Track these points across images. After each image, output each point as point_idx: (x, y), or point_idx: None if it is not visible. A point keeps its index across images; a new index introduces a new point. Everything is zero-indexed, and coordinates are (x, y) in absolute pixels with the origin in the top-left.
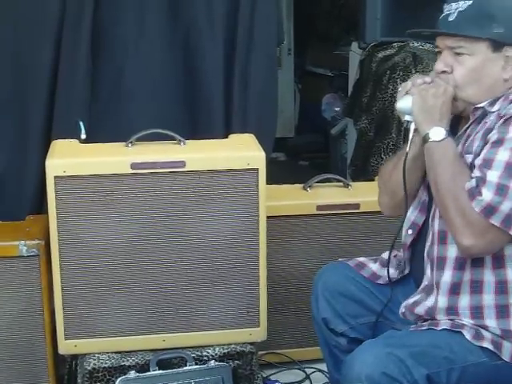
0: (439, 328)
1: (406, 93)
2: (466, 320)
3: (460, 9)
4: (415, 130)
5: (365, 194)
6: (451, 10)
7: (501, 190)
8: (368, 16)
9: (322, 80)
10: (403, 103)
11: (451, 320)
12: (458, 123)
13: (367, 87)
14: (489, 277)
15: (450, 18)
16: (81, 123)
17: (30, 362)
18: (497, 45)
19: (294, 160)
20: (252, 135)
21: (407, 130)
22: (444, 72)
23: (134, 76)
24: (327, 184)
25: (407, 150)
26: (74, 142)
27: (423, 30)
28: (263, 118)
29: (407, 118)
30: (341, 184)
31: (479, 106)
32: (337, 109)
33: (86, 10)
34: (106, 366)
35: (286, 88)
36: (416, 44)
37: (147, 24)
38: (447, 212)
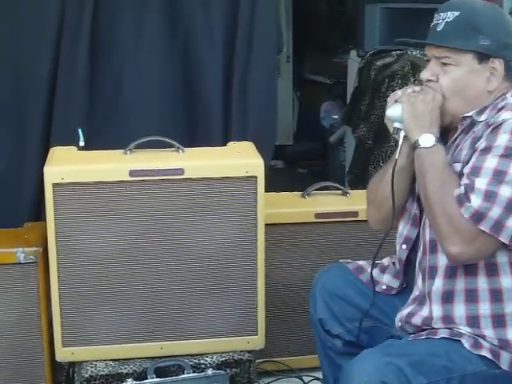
0: (438, 337)
1: (396, 101)
2: (464, 329)
3: (447, 19)
4: (404, 138)
5: (363, 202)
6: (439, 20)
7: (489, 196)
8: (367, 24)
9: (321, 88)
10: (393, 111)
11: (449, 329)
12: (447, 134)
13: (366, 95)
14: (483, 285)
15: (438, 28)
16: (79, 130)
17: (28, 369)
18: (482, 56)
19: (293, 167)
20: (250, 143)
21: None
22: (430, 81)
23: (132, 84)
24: (326, 192)
25: (396, 157)
26: (73, 149)
27: (410, 41)
28: (263, 127)
29: (396, 125)
30: (339, 192)
31: (467, 115)
32: (335, 116)
33: (85, 12)
34: (104, 373)
35: (284, 96)
36: (415, 52)
37: (146, 31)
38: (435, 219)
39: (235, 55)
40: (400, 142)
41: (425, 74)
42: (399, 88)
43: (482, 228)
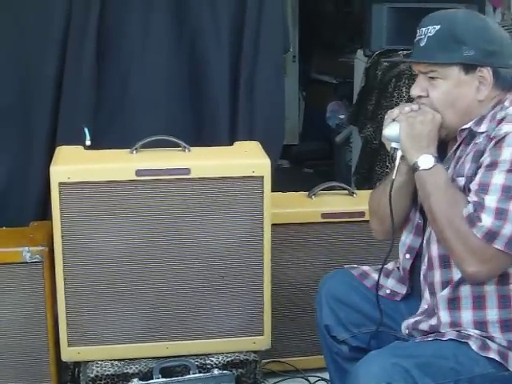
0: (445, 338)
1: (393, 120)
2: (472, 331)
3: (429, 34)
4: (402, 158)
5: None
6: (422, 36)
7: (500, 214)
8: (374, 24)
9: (327, 87)
10: (390, 130)
11: (457, 331)
12: (445, 146)
13: (372, 95)
14: (492, 292)
15: (421, 44)
16: (86, 129)
17: (33, 368)
18: (469, 67)
19: (299, 167)
20: (257, 142)
21: (393, 158)
22: (420, 97)
23: (138, 83)
24: (332, 192)
25: (393, 177)
26: (79, 148)
27: (395, 60)
28: (270, 126)
29: (394, 145)
30: (345, 192)
31: (465, 126)
32: (341, 116)
33: (92, 12)
34: (109, 373)
35: (290, 95)
36: None
37: (153, 31)
38: (448, 241)
39: (242, 55)
40: (397, 163)
41: (415, 91)
42: (406, 88)
43: (496, 246)
